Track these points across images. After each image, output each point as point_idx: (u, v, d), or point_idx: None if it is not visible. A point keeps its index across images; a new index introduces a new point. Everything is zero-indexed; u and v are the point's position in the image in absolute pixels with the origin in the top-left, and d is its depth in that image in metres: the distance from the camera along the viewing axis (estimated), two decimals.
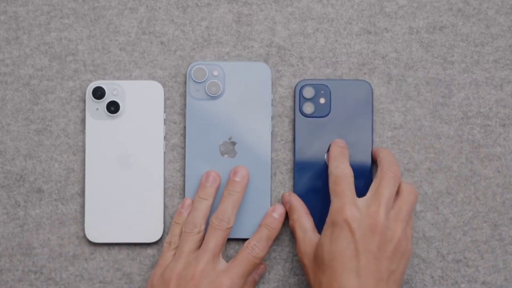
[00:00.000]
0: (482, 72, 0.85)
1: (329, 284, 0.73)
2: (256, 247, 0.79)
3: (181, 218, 0.81)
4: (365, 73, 0.85)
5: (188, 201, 0.82)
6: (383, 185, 0.77)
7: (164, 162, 0.84)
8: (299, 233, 0.79)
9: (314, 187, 0.83)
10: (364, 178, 0.83)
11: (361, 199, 0.76)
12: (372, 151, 0.82)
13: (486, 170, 0.84)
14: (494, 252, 0.84)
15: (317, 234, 0.79)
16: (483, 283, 0.84)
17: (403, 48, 0.85)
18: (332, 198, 0.77)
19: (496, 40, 0.85)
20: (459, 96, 0.85)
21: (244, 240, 0.84)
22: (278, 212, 0.81)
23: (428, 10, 0.85)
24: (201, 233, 0.79)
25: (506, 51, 0.85)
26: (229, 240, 0.84)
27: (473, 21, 0.85)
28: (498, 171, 0.84)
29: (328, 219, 0.76)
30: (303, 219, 0.80)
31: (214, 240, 0.78)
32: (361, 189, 0.83)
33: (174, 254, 0.79)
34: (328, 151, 0.83)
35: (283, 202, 0.82)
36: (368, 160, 0.83)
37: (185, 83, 0.85)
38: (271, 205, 0.84)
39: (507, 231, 0.84)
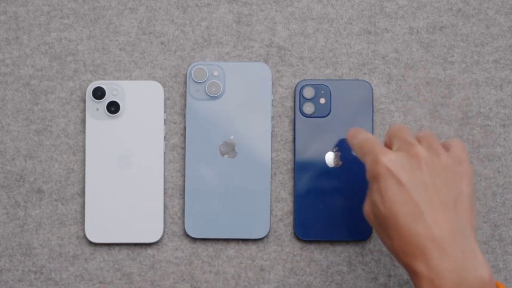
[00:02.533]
0: (482, 72, 0.85)
1: (399, 237, 0.65)
2: None
3: None
4: (365, 73, 0.85)
5: None
6: (400, 134, 0.70)
7: (164, 162, 0.84)
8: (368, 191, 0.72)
9: (314, 187, 0.83)
10: (365, 177, 0.83)
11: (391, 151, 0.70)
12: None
13: (486, 170, 0.84)
14: (494, 252, 0.84)
15: None
16: None
17: (403, 48, 0.85)
18: (364, 158, 0.70)
19: (496, 40, 0.85)
20: (459, 96, 0.85)
21: (244, 240, 0.84)
22: None
23: (428, 10, 0.85)
24: None
25: (506, 51, 0.85)
26: (229, 240, 0.84)
27: (473, 21, 0.85)
28: (498, 171, 0.84)
29: (368, 176, 0.69)
30: None
31: None
32: (364, 188, 0.83)
33: None
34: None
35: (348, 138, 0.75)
36: None
37: (185, 83, 0.85)
38: (271, 205, 0.84)
39: (507, 231, 0.84)
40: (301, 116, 0.83)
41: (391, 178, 0.66)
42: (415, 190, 0.66)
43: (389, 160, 0.67)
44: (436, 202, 0.65)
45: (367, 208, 0.70)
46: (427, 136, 0.70)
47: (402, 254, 0.66)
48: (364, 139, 0.71)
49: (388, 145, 0.71)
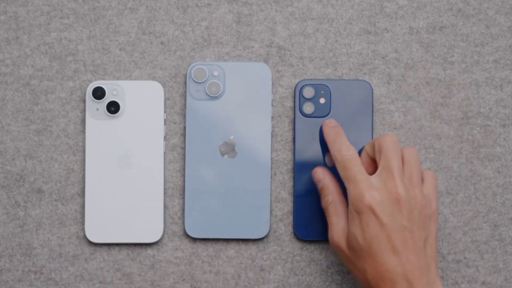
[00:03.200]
0: (482, 72, 0.85)
1: (373, 270, 0.73)
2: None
3: None
4: (365, 73, 0.85)
5: None
6: (388, 157, 0.75)
7: (164, 162, 0.84)
8: (333, 219, 0.77)
9: (314, 188, 0.83)
10: None
11: (374, 177, 0.75)
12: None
13: (486, 170, 0.84)
14: (494, 252, 0.84)
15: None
16: (483, 283, 0.84)
17: (403, 48, 0.85)
18: (346, 184, 0.75)
19: (496, 40, 0.85)
20: (459, 96, 0.85)
21: (244, 240, 0.84)
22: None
23: (428, 10, 0.85)
24: None
25: (506, 51, 0.85)
26: (229, 240, 0.84)
27: (473, 21, 0.85)
28: (498, 171, 0.84)
29: (351, 208, 0.74)
30: (338, 203, 0.78)
31: None
32: None
33: None
34: (324, 152, 0.83)
35: (314, 179, 0.81)
36: None
37: (185, 83, 0.85)
38: (271, 205, 0.84)
39: (507, 231, 0.84)
40: (301, 116, 0.83)
41: (373, 217, 0.73)
42: (394, 231, 0.72)
43: (373, 199, 0.73)
44: (410, 243, 0.73)
45: (339, 237, 0.76)
46: (411, 162, 0.76)
47: (373, 283, 0.73)
48: (348, 158, 0.76)
49: (371, 156, 0.77)
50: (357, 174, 0.75)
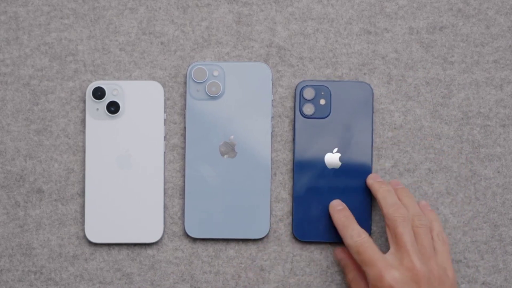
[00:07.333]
0: (482, 72, 0.85)
1: None
2: None
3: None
4: (365, 74, 0.85)
5: None
6: (400, 233, 0.76)
7: (164, 163, 0.84)
8: None
9: (313, 188, 0.83)
10: (363, 178, 0.83)
11: (389, 254, 0.76)
12: (367, 181, 0.82)
13: (486, 170, 0.84)
14: (494, 253, 0.84)
15: None
16: (483, 283, 0.84)
17: (403, 48, 0.85)
18: (364, 267, 0.76)
19: (496, 40, 0.85)
20: (459, 96, 0.85)
21: (244, 240, 0.84)
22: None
23: (428, 10, 0.85)
24: None
25: (506, 51, 0.85)
26: (229, 240, 0.84)
27: (473, 21, 0.85)
28: (498, 171, 0.84)
29: (371, 286, 0.75)
30: (359, 279, 0.80)
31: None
32: (362, 188, 0.83)
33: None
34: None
35: (336, 258, 0.83)
36: (368, 161, 0.83)
37: (185, 83, 0.85)
38: (271, 205, 0.84)
39: (507, 231, 0.84)
40: (301, 117, 0.83)
41: None
42: None
43: (393, 279, 0.74)
44: None
45: None
46: (421, 234, 0.77)
47: None
48: (361, 242, 0.77)
49: (388, 225, 0.77)
50: (372, 255, 0.75)
